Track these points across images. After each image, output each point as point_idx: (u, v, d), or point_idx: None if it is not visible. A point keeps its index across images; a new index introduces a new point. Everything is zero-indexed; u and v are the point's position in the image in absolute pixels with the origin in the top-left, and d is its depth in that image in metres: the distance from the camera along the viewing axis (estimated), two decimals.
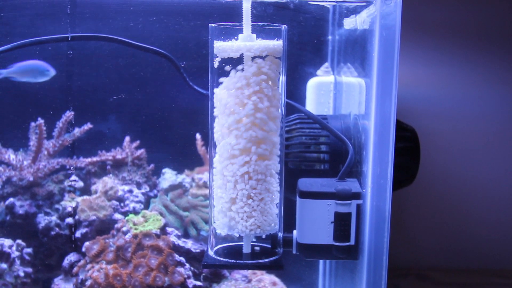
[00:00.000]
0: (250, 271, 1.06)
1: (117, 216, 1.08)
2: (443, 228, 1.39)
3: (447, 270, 1.39)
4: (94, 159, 1.13)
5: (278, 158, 0.79)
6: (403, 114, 0.96)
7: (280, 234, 0.80)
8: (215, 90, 0.77)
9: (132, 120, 1.14)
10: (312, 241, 0.77)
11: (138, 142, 1.15)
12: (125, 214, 1.08)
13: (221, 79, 0.76)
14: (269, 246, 0.81)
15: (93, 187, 1.12)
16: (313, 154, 0.90)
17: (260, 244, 0.83)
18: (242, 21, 0.75)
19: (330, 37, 1.08)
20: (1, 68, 0.98)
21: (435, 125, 1.35)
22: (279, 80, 0.77)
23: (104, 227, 1.07)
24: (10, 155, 1.08)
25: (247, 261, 0.79)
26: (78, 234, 1.06)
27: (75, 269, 1.02)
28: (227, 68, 0.75)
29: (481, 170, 1.37)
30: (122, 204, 1.10)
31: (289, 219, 0.81)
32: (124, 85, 1.11)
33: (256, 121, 0.75)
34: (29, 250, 1.06)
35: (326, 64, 1.09)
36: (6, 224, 1.06)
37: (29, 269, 1.05)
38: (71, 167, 1.11)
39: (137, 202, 1.11)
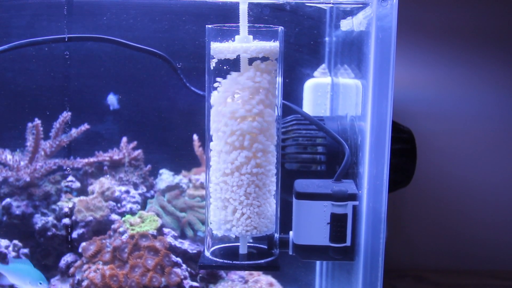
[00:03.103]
0: (246, 272, 1.06)
1: (114, 216, 1.08)
2: (440, 229, 1.40)
3: (444, 271, 1.39)
4: (91, 159, 1.13)
5: (274, 159, 0.79)
6: (399, 116, 0.97)
7: (277, 235, 0.81)
8: (212, 91, 0.77)
9: (129, 121, 1.14)
10: (308, 242, 0.78)
11: (135, 143, 1.15)
12: (122, 214, 1.08)
13: (218, 80, 0.76)
14: (266, 247, 0.81)
15: (90, 188, 1.12)
16: (309, 155, 0.91)
17: (257, 245, 0.83)
18: (239, 22, 0.76)
19: (327, 39, 1.08)
20: None
21: (431, 127, 1.35)
22: (275, 81, 0.77)
23: (101, 227, 1.07)
24: (7, 156, 1.08)
25: (243, 262, 0.80)
26: (74, 234, 1.06)
27: (72, 269, 1.02)
28: (224, 70, 0.76)
29: (477, 172, 1.37)
30: (119, 205, 1.10)
31: (285, 220, 0.81)
32: (121, 86, 1.11)
33: (252, 123, 0.75)
34: (25, 250, 1.06)
35: (323, 66, 1.10)
36: (2, 225, 1.06)
37: None
38: (68, 168, 1.11)
39: (134, 202, 1.11)
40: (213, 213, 0.79)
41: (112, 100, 1.02)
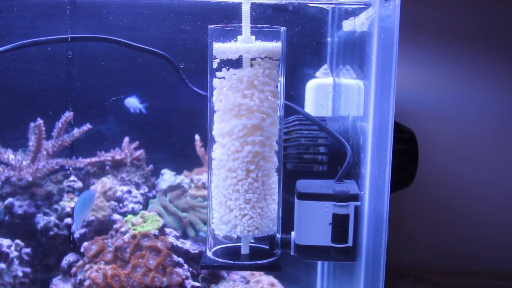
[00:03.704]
0: (248, 272, 1.07)
1: (116, 216, 1.08)
2: (441, 230, 1.40)
3: (445, 272, 1.39)
4: (93, 159, 1.13)
5: (276, 159, 0.79)
6: (401, 116, 0.97)
7: (278, 235, 0.81)
8: (214, 91, 0.77)
9: (131, 121, 1.14)
10: (310, 242, 0.78)
11: (137, 142, 1.16)
12: (124, 214, 1.08)
13: (219, 80, 0.76)
14: (267, 247, 0.81)
15: (92, 188, 1.12)
16: (311, 156, 0.91)
17: (259, 245, 0.83)
18: (241, 22, 0.76)
19: (329, 39, 1.08)
20: None
21: (433, 127, 1.35)
22: (278, 81, 0.77)
23: (103, 227, 1.07)
24: (9, 155, 1.08)
25: (245, 262, 0.80)
26: (76, 234, 1.06)
27: (74, 269, 1.02)
28: (226, 69, 0.76)
29: (479, 172, 1.37)
30: (120, 205, 1.10)
31: (287, 220, 0.81)
32: (123, 86, 1.11)
33: (254, 123, 0.75)
34: (27, 250, 1.06)
35: (325, 66, 1.10)
36: (5, 224, 1.06)
37: (28, 269, 1.05)
38: (70, 168, 1.11)
39: (136, 202, 1.11)
40: (215, 213, 0.79)
41: (132, 103, 1.03)
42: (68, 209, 1.07)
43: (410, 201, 1.37)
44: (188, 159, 1.15)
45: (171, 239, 1.04)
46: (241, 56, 0.75)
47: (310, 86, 1.09)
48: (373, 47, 0.73)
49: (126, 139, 1.15)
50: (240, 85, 0.75)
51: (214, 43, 0.76)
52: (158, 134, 1.15)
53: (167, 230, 1.06)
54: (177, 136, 1.14)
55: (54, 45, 1.03)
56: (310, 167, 0.91)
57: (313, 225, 0.77)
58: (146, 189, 1.15)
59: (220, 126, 0.77)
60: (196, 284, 1.02)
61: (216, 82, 0.77)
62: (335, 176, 0.82)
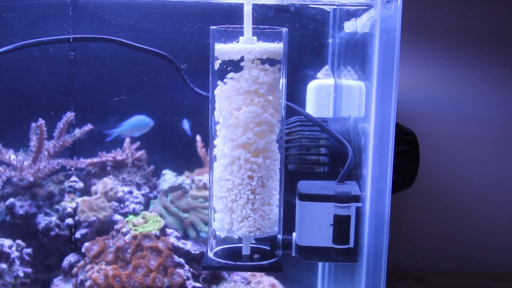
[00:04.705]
0: (249, 273, 1.07)
1: (117, 217, 1.08)
2: (442, 231, 1.40)
3: (446, 272, 1.39)
4: (95, 160, 1.13)
5: (278, 160, 0.79)
6: (402, 117, 0.97)
7: (280, 236, 0.81)
8: (216, 92, 0.77)
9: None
10: (311, 243, 0.78)
11: (138, 143, 1.16)
12: (125, 215, 1.08)
13: (220, 81, 0.76)
14: (269, 248, 0.81)
15: (93, 188, 1.12)
16: (313, 157, 0.91)
17: (260, 246, 0.83)
18: (243, 23, 0.76)
19: (330, 40, 1.08)
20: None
21: (434, 128, 1.35)
22: (279, 82, 0.77)
23: (104, 228, 1.07)
24: (11, 155, 1.08)
25: (246, 263, 0.80)
26: (78, 234, 1.06)
27: (75, 269, 1.02)
28: (228, 71, 0.76)
29: (480, 173, 1.37)
30: (122, 205, 1.10)
31: (288, 221, 0.81)
32: (125, 87, 1.11)
33: (256, 124, 0.75)
34: (28, 250, 1.06)
35: (326, 67, 1.10)
36: (6, 224, 1.06)
37: (29, 270, 1.05)
38: (72, 168, 1.11)
39: (137, 203, 1.11)
40: (216, 214, 0.79)
41: (186, 125, 1.05)
42: (69, 210, 1.07)
43: (411, 202, 1.37)
44: (189, 159, 1.15)
45: (172, 239, 1.04)
46: (242, 57, 0.75)
47: (312, 87, 1.09)
48: (374, 48, 0.73)
49: (128, 139, 1.15)
50: (241, 87, 0.75)
51: (216, 43, 0.76)
52: (160, 135, 1.15)
53: (168, 230, 1.06)
54: (178, 137, 1.14)
55: (56, 45, 1.03)
56: (312, 168, 0.91)
57: (315, 226, 0.77)
58: (147, 190, 1.15)
59: (221, 128, 0.77)
60: (197, 284, 1.02)
61: (217, 86, 0.77)
62: (336, 177, 0.82)
